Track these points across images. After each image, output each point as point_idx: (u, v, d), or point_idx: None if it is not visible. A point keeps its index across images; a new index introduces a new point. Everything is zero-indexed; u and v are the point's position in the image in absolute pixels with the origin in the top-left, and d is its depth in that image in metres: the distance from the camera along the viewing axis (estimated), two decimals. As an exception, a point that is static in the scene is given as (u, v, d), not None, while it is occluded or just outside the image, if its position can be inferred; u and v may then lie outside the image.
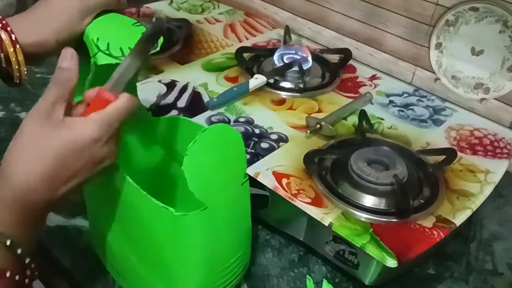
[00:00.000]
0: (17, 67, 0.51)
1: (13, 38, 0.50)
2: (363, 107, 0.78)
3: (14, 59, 0.50)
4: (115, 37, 0.52)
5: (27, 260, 0.41)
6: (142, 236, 0.53)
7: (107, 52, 0.51)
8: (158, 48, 0.52)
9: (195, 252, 0.51)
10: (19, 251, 0.40)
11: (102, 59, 0.50)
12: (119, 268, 0.59)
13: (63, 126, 0.43)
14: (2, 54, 0.50)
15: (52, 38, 0.51)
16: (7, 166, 0.42)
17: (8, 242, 0.39)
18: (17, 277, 0.39)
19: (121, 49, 0.51)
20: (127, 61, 0.47)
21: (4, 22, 0.50)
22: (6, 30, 0.50)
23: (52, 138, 0.43)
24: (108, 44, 0.51)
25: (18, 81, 0.52)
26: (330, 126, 0.71)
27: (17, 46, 0.50)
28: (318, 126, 0.71)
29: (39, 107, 0.44)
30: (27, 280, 0.41)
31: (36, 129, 0.43)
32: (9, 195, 0.41)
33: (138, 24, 0.54)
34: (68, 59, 0.45)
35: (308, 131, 0.71)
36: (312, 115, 0.75)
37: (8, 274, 0.39)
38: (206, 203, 0.48)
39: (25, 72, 0.52)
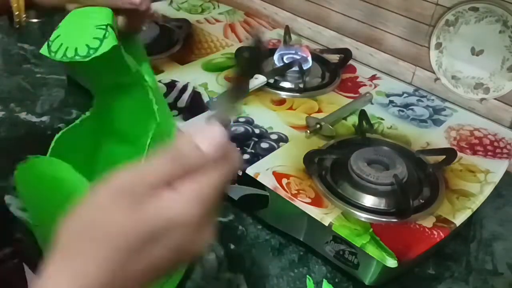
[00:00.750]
0: (17, 12, 0.53)
1: None
2: (363, 107, 0.78)
3: (15, 5, 0.52)
4: (69, 36, 0.49)
5: None
6: None
7: (53, 51, 0.48)
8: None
9: None
10: None
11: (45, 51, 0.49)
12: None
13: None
14: None
15: None
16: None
17: None
18: None
19: (66, 48, 0.48)
20: (223, 105, 0.35)
21: None
22: None
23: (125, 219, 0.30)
24: (60, 44, 0.49)
25: (17, 26, 0.54)
26: (330, 126, 0.71)
27: None
28: (318, 126, 0.71)
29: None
30: None
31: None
32: None
33: (103, 27, 0.48)
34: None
35: (308, 131, 0.71)
36: (312, 115, 0.75)
37: None
38: None
39: (24, 18, 0.53)
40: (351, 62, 0.90)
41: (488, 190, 0.65)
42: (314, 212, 0.59)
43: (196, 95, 0.78)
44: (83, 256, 0.29)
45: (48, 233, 0.31)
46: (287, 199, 0.60)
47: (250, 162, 0.65)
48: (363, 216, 0.59)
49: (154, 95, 0.54)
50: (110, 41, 0.47)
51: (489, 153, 0.71)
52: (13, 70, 0.94)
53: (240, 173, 0.65)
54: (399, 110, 0.79)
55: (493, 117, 0.81)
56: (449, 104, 0.82)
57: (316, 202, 0.60)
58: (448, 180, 0.66)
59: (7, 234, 0.77)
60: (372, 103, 0.80)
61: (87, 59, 0.46)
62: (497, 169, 0.68)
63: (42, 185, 0.53)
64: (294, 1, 1.01)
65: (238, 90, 0.36)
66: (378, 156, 0.65)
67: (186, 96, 0.77)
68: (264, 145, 0.69)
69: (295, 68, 0.82)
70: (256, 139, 0.70)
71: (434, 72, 0.86)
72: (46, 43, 0.49)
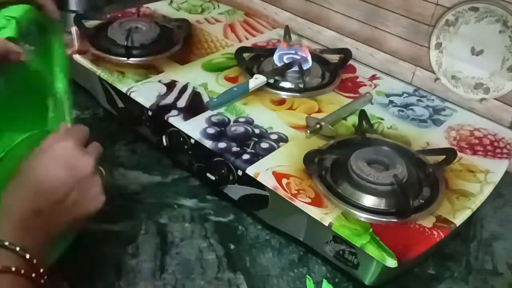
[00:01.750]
0: None
1: None
2: (363, 107, 0.78)
3: None
4: None
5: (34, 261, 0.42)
6: None
7: None
8: None
9: None
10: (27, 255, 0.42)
11: None
12: None
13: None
14: None
15: None
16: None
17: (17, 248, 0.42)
18: (22, 271, 0.41)
19: None
20: None
21: None
22: None
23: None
24: None
25: None
26: (330, 126, 0.71)
27: None
28: (318, 126, 0.71)
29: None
30: (34, 275, 0.42)
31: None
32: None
33: (8, 18, 0.53)
34: None
35: (308, 131, 0.71)
36: (312, 115, 0.75)
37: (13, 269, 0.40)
38: None
39: None
40: (351, 62, 0.90)
41: (488, 190, 0.65)
42: (314, 212, 0.59)
43: (196, 95, 0.78)
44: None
45: None
46: (287, 199, 0.60)
47: (250, 162, 0.65)
48: (363, 216, 0.59)
49: (57, 104, 0.58)
50: (7, 32, 0.51)
51: (489, 153, 0.71)
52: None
53: (240, 173, 0.65)
54: (399, 110, 0.79)
55: (493, 117, 0.81)
56: (449, 104, 0.82)
57: (316, 202, 0.60)
58: (448, 180, 0.66)
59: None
60: (372, 103, 0.80)
61: None
62: (497, 169, 0.68)
63: None
64: (294, 1, 1.01)
65: None
66: (378, 156, 0.65)
67: (186, 96, 0.77)
68: (264, 145, 0.69)
69: (295, 68, 0.82)
70: (256, 139, 0.70)
71: (434, 72, 0.86)
72: None
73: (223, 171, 0.67)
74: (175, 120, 0.72)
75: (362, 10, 0.91)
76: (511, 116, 0.80)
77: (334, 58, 0.90)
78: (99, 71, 0.81)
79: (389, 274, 0.59)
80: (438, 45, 0.84)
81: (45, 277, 0.43)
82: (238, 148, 0.67)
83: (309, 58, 0.84)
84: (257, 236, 0.67)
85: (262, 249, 0.65)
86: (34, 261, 0.42)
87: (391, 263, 0.54)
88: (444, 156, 0.68)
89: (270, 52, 0.87)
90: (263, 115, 0.75)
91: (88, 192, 0.48)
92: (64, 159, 0.47)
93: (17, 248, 0.41)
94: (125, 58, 0.84)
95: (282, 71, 0.82)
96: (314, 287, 0.60)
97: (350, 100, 0.80)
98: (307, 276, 0.62)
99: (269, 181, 0.62)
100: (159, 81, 0.80)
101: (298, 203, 0.60)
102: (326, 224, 0.58)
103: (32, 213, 0.44)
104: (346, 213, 0.59)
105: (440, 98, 0.84)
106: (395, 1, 0.86)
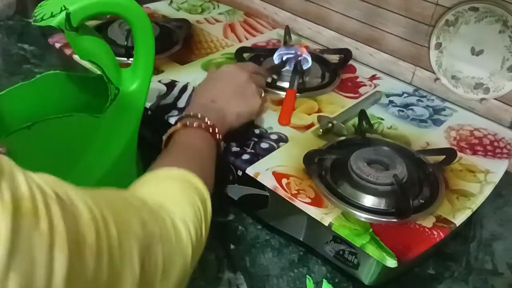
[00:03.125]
0: None
1: None
2: (372, 105, 0.78)
3: None
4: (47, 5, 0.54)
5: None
6: None
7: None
8: None
9: None
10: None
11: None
12: None
13: None
14: None
15: None
16: None
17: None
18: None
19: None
20: None
21: None
22: None
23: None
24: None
25: None
26: (342, 125, 0.71)
27: None
28: (330, 125, 0.71)
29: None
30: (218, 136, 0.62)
31: None
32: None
33: (63, 8, 0.53)
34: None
35: (321, 130, 0.71)
36: (323, 114, 0.75)
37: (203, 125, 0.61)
38: None
39: None
40: (351, 62, 0.90)
41: (488, 190, 0.65)
42: (314, 212, 0.59)
43: (196, 95, 0.78)
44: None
45: None
46: (287, 199, 0.60)
47: (250, 162, 0.65)
48: (363, 216, 0.59)
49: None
50: (53, 21, 0.52)
51: (489, 153, 0.71)
52: (13, 70, 0.94)
53: (240, 173, 0.65)
54: (399, 110, 0.79)
55: (493, 117, 0.81)
56: (449, 104, 0.82)
57: (316, 202, 0.60)
58: (448, 180, 0.66)
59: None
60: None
61: (37, 23, 0.53)
62: (497, 169, 0.68)
63: None
64: (294, 1, 1.01)
65: None
66: (378, 156, 0.65)
67: (186, 96, 0.77)
68: (264, 145, 0.69)
69: (293, 68, 0.82)
70: (256, 139, 0.70)
71: (434, 72, 0.86)
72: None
73: (223, 171, 0.67)
74: (175, 120, 0.72)
75: (362, 10, 0.91)
76: (511, 116, 0.80)
77: (334, 58, 0.90)
78: (98, 71, 0.81)
79: (389, 274, 0.59)
80: (438, 45, 0.84)
81: (220, 136, 0.62)
82: (238, 148, 0.67)
83: (309, 58, 0.84)
84: (257, 236, 0.67)
85: (262, 249, 0.65)
86: (212, 124, 0.61)
87: (391, 263, 0.54)
88: (444, 156, 0.68)
89: (270, 52, 0.87)
90: (263, 115, 0.75)
91: (248, 93, 0.69)
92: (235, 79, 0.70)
93: (204, 117, 0.61)
94: (125, 58, 0.84)
95: (278, 69, 0.83)
96: (314, 287, 0.60)
97: (350, 100, 0.80)
98: (307, 276, 0.62)
99: (269, 181, 0.62)
100: (159, 81, 0.80)
101: (298, 203, 0.60)
102: (326, 224, 0.58)
103: (210, 101, 0.66)
104: (346, 213, 0.59)
105: (440, 98, 0.84)
106: (395, 1, 0.86)
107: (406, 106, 0.80)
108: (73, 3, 0.52)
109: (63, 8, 0.52)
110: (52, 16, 0.52)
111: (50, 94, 0.65)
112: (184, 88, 0.79)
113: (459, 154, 0.70)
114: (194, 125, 0.60)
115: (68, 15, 0.52)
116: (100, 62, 0.57)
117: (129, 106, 0.60)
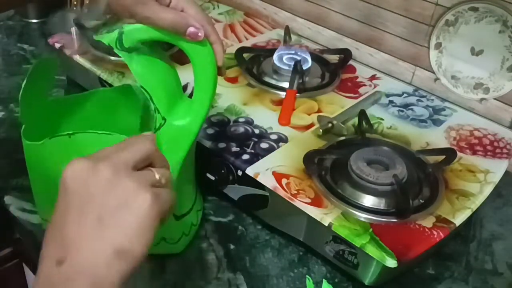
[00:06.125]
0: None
1: None
2: (372, 105, 0.78)
3: None
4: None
5: None
6: None
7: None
8: None
9: None
10: None
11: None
12: None
13: None
14: None
15: None
16: None
17: None
18: None
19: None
20: None
21: None
22: None
23: None
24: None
25: (74, 8, 0.55)
26: (342, 125, 0.71)
27: None
28: (330, 125, 0.71)
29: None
30: None
31: None
32: None
33: (120, 28, 0.53)
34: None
35: (321, 130, 0.71)
36: (323, 114, 0.75)
37: None
38: None
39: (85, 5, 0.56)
40: (350, 62, 0.90)
41: (488, 190, 0.65)
42: (314, 212, 0.59)
43: (196, 95, 0.78)
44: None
45: None
46: (287, 199, 0.60)
47: (250, 162, 0.65)
48: (362, 216, 0.59)
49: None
50: (105, 38, 0.52)
51: (489, 153, 0.71)
52: (13, 70, 0.94)
53: (240, 173, 0.65)
54: (399, 110, 0.79)
55: (493, 117, 0.81)
56: (449, 104, 0.82)
57: (316, 202, 0.60)
58: (448, 180, 0.66)
59: (7, 234, 0.77)
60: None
61: (96, 37, 0.53)
62: (497, 169, 0.68)
63: None
64: (294, 1, 1.01)
65: None
66: (378, 156, 0.65)
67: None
68: (264, 145, 0.69)
69: (293, 68, 0.82)
70: (256, 139, 0.70)
71: (434, 72, 0.86)
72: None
73: (223, 171, 0.67)
74: None
75: (362, 10, 0.91)
76: (511, 116, 0.80)
77: (334, 58, 0.90)
78: (99, 71, 0.81)
79: (389, 274, 0.59)
80: (438, 45, 0.84)
81: None
82: (238, 148, 0.67)
83: (309, 58, 0.84)
84: (257, 236, 0.67)
85: (262, 249, 0.65)
86: None
87: (391, 263, 0.54)
88: (444, 156, 0.68)
89: (270, 52, 0.87)
90: (263, 115, 0.75)
91: (121, 202, 0.39)
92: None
93: None
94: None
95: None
96: (314, 287, 0.60)
97: (351, 100, 0.80)
98: (307, 276, 0.62)
99: (269, 181, 0.62)
100: (159, 81, 0.80)
101: (298, 203, 0.60)
102: (326, 224, 0.58)
103: (55, 262, 0.36)
104: (346, 213, 0.59)
105: (440, 98, 0.84)
106: (395, 1, 0.86)
107: (406, 106, 0.80)
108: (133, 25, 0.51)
109: (120, 27, 0.51)
110: (108, 32, 0.52)
111: (116, 107, 0.66)
112: (184, 88, 0.79)
113: (459, 154, 0.70)
114: None
115: (121, 35, 0.51)
116: (151, 88, 0.54)
117: (174, 139, 0.56)
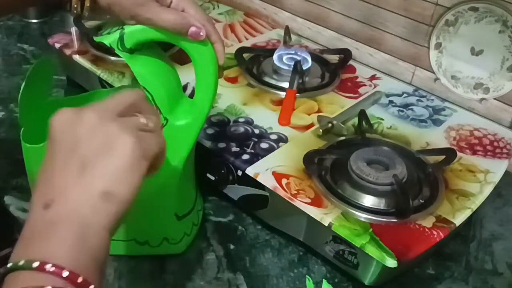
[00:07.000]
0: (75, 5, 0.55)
1: None
2: (372, 105, 0.78)
3: None
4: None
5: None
6: None
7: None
8: None
9: None
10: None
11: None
12: None
13: None
14: None
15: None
16: None
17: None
18: None
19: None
20: None
21: None
22: None
23: None
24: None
25: (74, 13, 0.55)
26: (342, 125, 0.71)
27: None
28: (330, 125, 0.71)
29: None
30: None
31: None
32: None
33: (121, 27, 0.53)
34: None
35: (321, 130, 0.71)
36: (323, 114, 0.75)
37: None
38: None
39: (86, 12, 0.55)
40: (350, 62, 0.90)
41: (487, 190, 0.65)
42: (313, 212, 0.59)
43: (196, 95, 0.78)
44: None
45: None
46: (287, 199, 0.60)
47: (250, 162, 0.65)
48: (362, 216, 0.59)
49: None
50: (106, 38, 0.52)
51: (489, 153, 0.71)
52: (13, 70, 0.94)
53: (240, 173, 0.65)
54: (399, 110, 0.79)
55: (493, 117, 0.81)
56: (448, 104, 0.82)
57: (315, 202, 0.60)
58: (448, 180, 0.66)
59: (7, 234, 0.77)
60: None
61: (96, 38, 0.53)
62: (496, 169, 0.68)
63: None
64: (294, 1, 1.01)
65: None
66: (378, 156, 0.65)
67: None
68: (264, 145, 0.69)
69: (293, 68, 0.82)
70: (256, 139, 0.70)
71: (434, 72, 0.86)
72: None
73: (222, 171, 0.67)
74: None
75: (362, 10, 0.91)
76: (511, 116, 0.80)
77: (334, 58, 0.90)
78: (99, 71, 0.81)
79: (389, 274, 0.59)
80: (438, 45, 0.84)
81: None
82: (238, 148, 0.67)
83: (309, 58, 0.84)
84: (257, 236, 0.67)
85: (262, 249, 0.65)
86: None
87: (391, 263, 0.54)
88: (444, 156, 0.68)
89: (270, 52, 0.87)
90: (263, 115, 0.75)
91: (106, 145, 0.39)
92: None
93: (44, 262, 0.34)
94: (125, 58, 0.84)
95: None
96: (314, 287, 0.60)
97: (350, 100, 0.80)
98: (307, 276, 0.62)
99: (268, 181, 0.62)
100: (159, 81, 0.80)
101: (298, 203, 0.60)
102: (326, 224, 0.58)
103: (42, 206, 0.37)
104: (346, 213, 0.59)
105: (440, 98, 0.84)
106: (395, 1, 0.86)
107: (406, 106, 0.80)
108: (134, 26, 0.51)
109: (121, 28, 0.51)
110: (109, 33, 0.52)
111: None
112: (184, 88, 0.79)
113: (459, 154, 0.70)
114: None
115: (122, 35, 0.51)
116: (152, 88, 0.54)
117: (176, 139, 0.55)
